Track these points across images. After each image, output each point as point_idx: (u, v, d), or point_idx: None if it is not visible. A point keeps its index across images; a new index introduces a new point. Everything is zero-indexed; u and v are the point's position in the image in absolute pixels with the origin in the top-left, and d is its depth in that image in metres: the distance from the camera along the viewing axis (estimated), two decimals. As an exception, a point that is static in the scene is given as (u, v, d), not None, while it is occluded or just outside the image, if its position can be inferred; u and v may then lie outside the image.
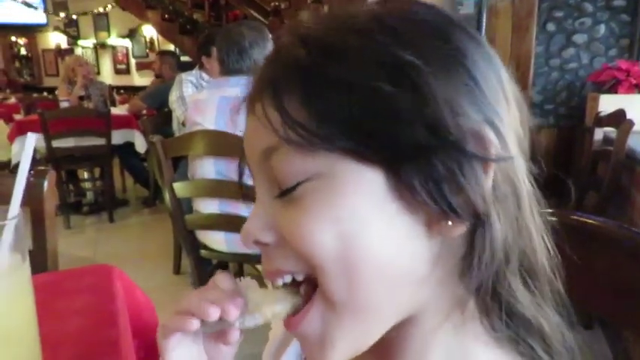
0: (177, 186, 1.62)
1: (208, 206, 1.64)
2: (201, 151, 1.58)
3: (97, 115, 3.51)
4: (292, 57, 0.31)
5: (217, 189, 1.58)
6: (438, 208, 0.28)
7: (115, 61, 9.39)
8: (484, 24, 2.94)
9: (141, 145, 3.75)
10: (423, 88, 0.28)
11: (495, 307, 0.32)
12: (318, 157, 0.29)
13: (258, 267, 2.09)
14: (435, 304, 0.32)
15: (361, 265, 0.29)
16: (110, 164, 3.73)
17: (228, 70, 1.60)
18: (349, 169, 0.29)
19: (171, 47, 8.72)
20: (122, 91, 7.47)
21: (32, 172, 0.99)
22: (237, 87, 1.61)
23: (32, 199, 0.96)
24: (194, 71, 2.72)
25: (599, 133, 2.21)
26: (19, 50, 10.17)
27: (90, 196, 4.08)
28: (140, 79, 9.18)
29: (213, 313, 0.33)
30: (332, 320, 0.31)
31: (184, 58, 6.36)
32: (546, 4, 2.86)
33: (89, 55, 9.67)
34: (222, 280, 0.36)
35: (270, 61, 0.33)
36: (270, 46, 1.67)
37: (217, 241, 1.67)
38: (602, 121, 2.24)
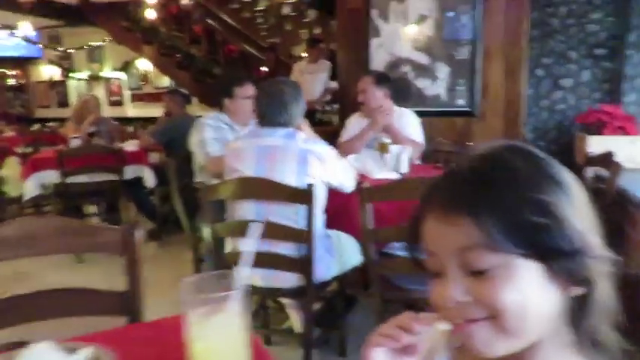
0: (220, 226, 1.76)
1: (246, 245, 1.78)
2: (243, 195, 1.73)
3: (109, 151, 3.63)
4: (480, 181, 0.48)
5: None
6: (571, 282, 0.48)
7: (109, 93, 9.51)
8: (479, 68, 3.19)
9: (150, 180, 3.87)
10: (561, 214, 0.47)
11: (586, 338, 0.51)
12: (501, 255, 0.47)
13: (281, 300, 2.21)
14: (552, 333, 0.51)
15: (528, 311, 0.48)
16: (119, 199, 3.83)
17: (268, 122, 1.77)
18: (521, 263, 0.48)
19: (167, 80, 8.93)
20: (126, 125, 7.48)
21: (125, 223, 1.13)
22: (273, 137, 1.78)
23: (127, 248, 1.10)
24: (212, 114, 2.75)
25: (590, 172, 2.44)
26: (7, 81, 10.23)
27: (97, 229, 4.15)
28: (134, 111, 9.32)
29: (409, 337, 0.50)
30: (501, 339, 0.49)
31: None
32: (535, 52, 3.14)
33: (82, 87, 9.79)
34: (409, 315, 0.52)
35: (457, 181, 0.50)
36: (303, 103, 1.86)
37: (254, 277, 1.80)
38: (591, 160, 2.46)
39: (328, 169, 1.79)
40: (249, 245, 0.62)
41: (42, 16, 7.09)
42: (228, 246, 1.88)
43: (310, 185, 1.64)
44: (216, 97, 2.75)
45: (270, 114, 1.76)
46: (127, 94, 9.43)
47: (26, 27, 7.33)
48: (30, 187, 3.50)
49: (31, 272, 3.11)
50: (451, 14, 3.22)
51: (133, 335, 0.87)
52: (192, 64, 7.53)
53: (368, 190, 1.62)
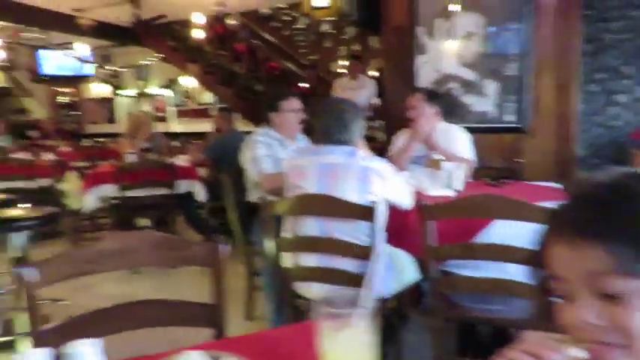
0: (283, 241, 1.82)
1: (308, 260, 1.83)
2: (306, 212, 1.79)
3: (163, 166, 3.79)
4: (608, 208, 0.51)
5: (319, 245, 1.77)
6: None
7: (154, 110, 9.89)
8: (529, 84, 3.17)
9: (200, 194, 4.00)
10: None
11: None
12: (634, 280, 0.49)
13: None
14: None
15: None
16: (171, 212, 3.98)
17: (329, 139, 1.83)
18: None
19: (209, 97, 9.22)
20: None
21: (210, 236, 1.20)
22: (334, 155, 1.84)
23: (214, 262, 1.17)
24: (261, 130, 2.78)
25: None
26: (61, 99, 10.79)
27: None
28: (178, 127, 9.64)
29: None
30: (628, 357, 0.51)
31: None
32: (588, 67, 3.10)
33: (130, 104, 10.23)
34: (537, 340, 0.55)
35: (586, 208, 0.53)
36: (362, 122, 1.91)
37: (316, 292, 1.85)
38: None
39: (388, 186, 1.83)
40: (372, 270, 0.66)
41: (97, 37, 7.50)
42: (288, 261, 1.93)
43: (374, 202, 1.69)
44: (262, 112, 2.80)
45: (331, 132, 1.82)
46: (171, 110, 9.78)
47: (82, 47, 7.76)
48: (90, 200, 3.69)
49: (91, 283, 3.25)
50: (499, 29, 3.22)
51: (257, 345, 0.90)
52: (235, 81, 7.77)
53: (430, 208, 1.64)
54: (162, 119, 9.91)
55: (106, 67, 9.35)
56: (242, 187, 2.86)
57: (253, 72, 7.69)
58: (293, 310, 1.91)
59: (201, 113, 9.49)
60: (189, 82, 9.26)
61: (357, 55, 7.11)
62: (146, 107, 9.82)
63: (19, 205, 2.46)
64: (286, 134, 2.71)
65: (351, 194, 1.75)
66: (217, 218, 4.40)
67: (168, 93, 9.76)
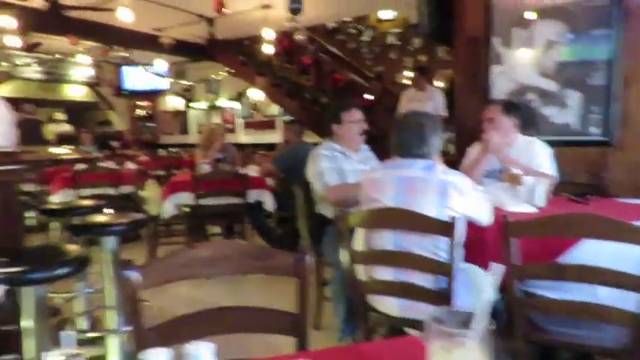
0: (358, 253, 1.83)
1: (384, 273, 1.82)
2: (383, 225, 1.78)
3: (235, 176, 3.94)
4: None
5: (396, 258, 1.76)
6: None
7: (223, 121, 10.32)
8: (617, 94, 2.97)
9: (269, 204, 4.11)
10: None
11: None
12: None
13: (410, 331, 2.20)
14: None
15: None
16: (241, 221, 4.12)
17: (407, 153, 1.82)
18: None
19: (275, 109, 9.49)
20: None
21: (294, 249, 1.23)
22: (412, 168, 1.82)
23: (299, 272, 1.20)
24: (325, 143, 2.80)
25: None
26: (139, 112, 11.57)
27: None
28: (245, 138, 9.99)
29: None
30: None
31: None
32: (686, 74, 2.86)
33: (201, 116, 10.75)
34: None
35: None
36: (441, 136, 1.88)
37: (390, 306, 1.83)
38: None
39: (467, 201, 1.78)
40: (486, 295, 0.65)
41: (174, 54, 7.99)
42: (362, 273, 1.93)
43: (453, 218, 1.65)
44: (325, 125, 2.83)
45: (410, 145, 1.81)
46: (239, 122, 10.16)
47: (161, 64, 8.29)
48: (168, 207, 3.90)
49: (167, 286, 3.42)
50: (582, 36, 3.05)
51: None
52: (301, 93, 7.95)
53: (515, 225, 1.58)
54: (231, 130, 10.32)
55: (181, 82, 9.91)
56: (312, 198, 2.91)
57: (319, 84, 7.83)
58: (364, 322, 1.91)
59: (266, 125, 9.79)
60: (256, 94, 9.60)
61: (424, 66, 7.04)
62: (216, 119, 10.28)
63: (105, 211, 2.66)
64: (349, 145, 2.74)
65: (430, 208, 1.73)
66: (284, 227, 4.51)
67: (236, 105, 10.16)
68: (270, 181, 4.44)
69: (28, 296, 1.55)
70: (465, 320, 0.61)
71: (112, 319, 2.30)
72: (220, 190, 3.84)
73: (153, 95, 10.75)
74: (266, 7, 6.15)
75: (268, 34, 6.42)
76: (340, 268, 1.99)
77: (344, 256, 1.86)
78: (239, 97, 10.06)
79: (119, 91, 9.79)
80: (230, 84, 9.83)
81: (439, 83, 7.42)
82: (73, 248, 1.76)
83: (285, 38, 7.44)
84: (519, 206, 2.16)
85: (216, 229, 4.81)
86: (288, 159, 4.25)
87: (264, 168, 4.32)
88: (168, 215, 3.93)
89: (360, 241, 1.93)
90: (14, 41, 5.81)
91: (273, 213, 4.28)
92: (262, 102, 9.70)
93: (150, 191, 4.39)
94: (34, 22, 5.70)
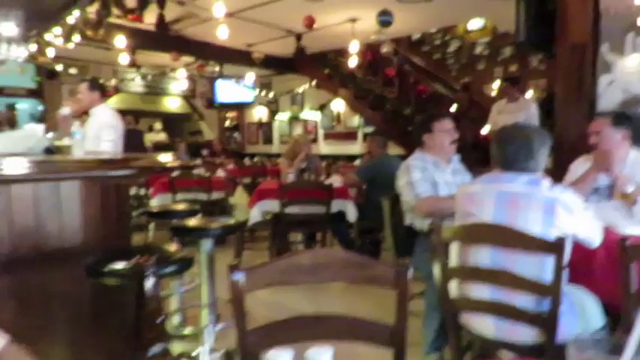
0: (452, 269, 1.76)
1: (479, 291, 1.73)
2: (480, 241, 1.70)
3: (320, 186, 4.00)
4: None
5: (495, 277, 1.67)
6: None
7: (305, 132, 10.55)
8: None
9: (352, 214, 4.12)
10: None
11: None
12: None
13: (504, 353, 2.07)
14: None
15: None
16: (323, 230, 4.16)
17: (511, 167, 1.73)
18: None
19: (356, 120, 9.54)
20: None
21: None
22: (515, 183, 1.72)
23: (399, 284, 1.18)
24: (416, 154, 2.75)
25: None
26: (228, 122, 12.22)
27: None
28: (326, 148, 10.14)
29: None
30: None
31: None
32: None
33: (284, 127, 11.10)
34: None
35: None
36: (549, 150, 1.77)
37: (485, 326, 1.74)
38: None
39: (576, 221, 1.65)
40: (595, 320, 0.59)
41: (263, 68, 8.36)
42: (454, 289, 1.86)
43: (561, 237, 1.54)
44: (415, 135, 2.79)
45: (516, 159, 1.72)
46: (320, 132, 10.33)
47: (250, 77, 8.71)
48: (255, 214, 4.05)
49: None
50: None
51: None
52: (384, 105, 7.92)
53: (634, 249, 1.43)
54: (312, 141, 10.52)
55: (267, 94, 10.33)
56: (398, 210, 2.88)
57: (403, 96, 7.75)
58: (455, 340, 1.83)
59: (347, 136, 9.85)
60: (338, 106, 9.72)
61: (515, 76, 6.70)
62: (298, 130, 10.54)
63: (199, 216, 2.82)
64: (440, 156, 2.68)
65: (533, 226, 1.62)
66: (364, 238, 4.49)
67: (318, 116, 10.35)
68: (351, 192, 4.46)
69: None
70: (614, 346, 0.56)
71: (205, 316, 2.42)
72: (305, 199, 3.92)
73: (240, 106, 11.29)
74: (353, 20, 6.23)
75: (354, 46, 6.49)
76: (433, 282, 1.93)
77: (437, 270, 1.81)
78: (321, 108, 10.25)
79: (211, 103, 10.41)
80: (313, 95, 10.05)
81: (531, 94, 7.02)
82: (175, 249, 1.88)
83: (370, 50, 7.47)
84: (634, 227, 1.96)
85: (298, 237, 4.91)
86: (372, 170, 4.25)
87: (348, 179, 4.34)
88: (255, 221, 4.07)
89: (454, 255, 1.86)
90: (125, 59, 6.43)
91: (355, 223, 4.28)
92: (344, 113, 9.80)
93: (238, 198, 4.59)
94: (142, 41, 6.27)
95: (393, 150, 6.27)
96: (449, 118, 2.74)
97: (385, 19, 5.56)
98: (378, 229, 4.12)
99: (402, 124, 7.49)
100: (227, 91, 10.10)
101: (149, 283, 1.46)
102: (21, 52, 4.27)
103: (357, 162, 7.50)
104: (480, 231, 1.69)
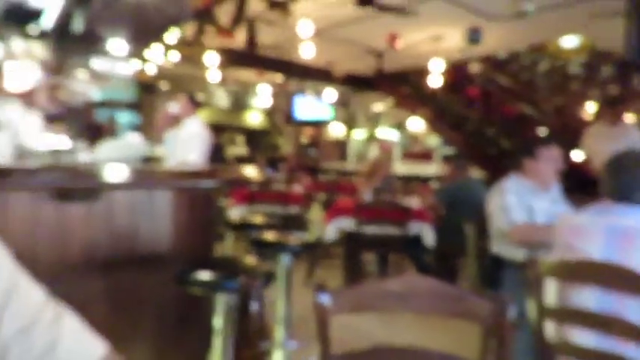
0: (550, 309, 1.60)
1: (582, 337, 1.56)
2: (585, 280, 1.54)
3: (398, 207, 3.90)
4: None
5: (602, 322, 1.49)
6: None
7: (385, 151, 10.46)
8: None
9: (429, 238, 3.96)
10: None
11: None
12: None
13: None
14: None
15: None
16: (401, 252, 4.04)
17: (625, 199, 1.55)
18: None
19: (435, 140, 9.30)
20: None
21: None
22: (628, 217, 1.54)
23: (497, 325, 1.08)
24: (512, 177, 2.61)
25: None
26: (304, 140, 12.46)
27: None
28: (402, 168, 9.96)
29: None
30: None
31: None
32: None
33: (360, 145, 11.09)
34: None
35: None
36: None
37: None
38: None
39: None
40: None
41: (342, 85, 8.45)
42: (551, 331, 1.68)
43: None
44: (515, 159, 2.66)
45: (630, 190, 1.54)
46: (397, 152, 10.18)
47: (330, 94, 8.84)
48: (330, 231, 4.03)
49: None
50: None
51: None
52: (465, 125, 7.64)
53: None
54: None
55: (345, 111, 10.42)
56: (483, 236, 2.72)
57: (486, 116, 7.43)
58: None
59: (423, 156, 9.61)
60: (415, 125, 9.53)
61: (616, 98, 6.16)
62: (374, 149, 10.48)
63: (275, 231, 2.83)
64: (541, 183, 2.50)
65: (650, 267, 1.43)
66: (440, 264, 4.29)
67: (395, 135, 10.22)
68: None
69: (220, 302, 1.71)
70: None
71: (280, 332, 2.41)
72: (382, 219, 3.84)
73: (318, 123, 11.48)
74: (437, 38, 6.11)
75: (437, 65, 6.35)
76: (526, 323, 1.77)
77: (532, 309, 1.65)
78: (398, 127, 10.12)
79: (290, 119, 10.69)
80: (390, 114, 9.96)
81: (633, 118, 6.41)
82: (255, 262, 1.90)
83: (452, 69, 7.27)
84: None
85: (370, 257, 4.81)
86: (454, 194, 4.08)
87: (426, 200, 4.20)
88: (330, 239, 4.05)
89: (550, 293, 1.70)
90: (214, 75, 6.80)
91: (432, 248, 4.11)
92: (421, 133, 9.60)
93: (314, 214, 4.61)
94: (232, 59, 6.61)
95: (473, 174, 6.01)
96: (555, 144, 2.56)
97: (475, 37, 5.40)
98: (455, 256, 3.93)
99: (484, 146, 7.17)
100: (305, 107, 10.33)
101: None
102: (126, 69, 4.66)
103: (431, 183, 7.27)
104: (587, 269, 1.52)
